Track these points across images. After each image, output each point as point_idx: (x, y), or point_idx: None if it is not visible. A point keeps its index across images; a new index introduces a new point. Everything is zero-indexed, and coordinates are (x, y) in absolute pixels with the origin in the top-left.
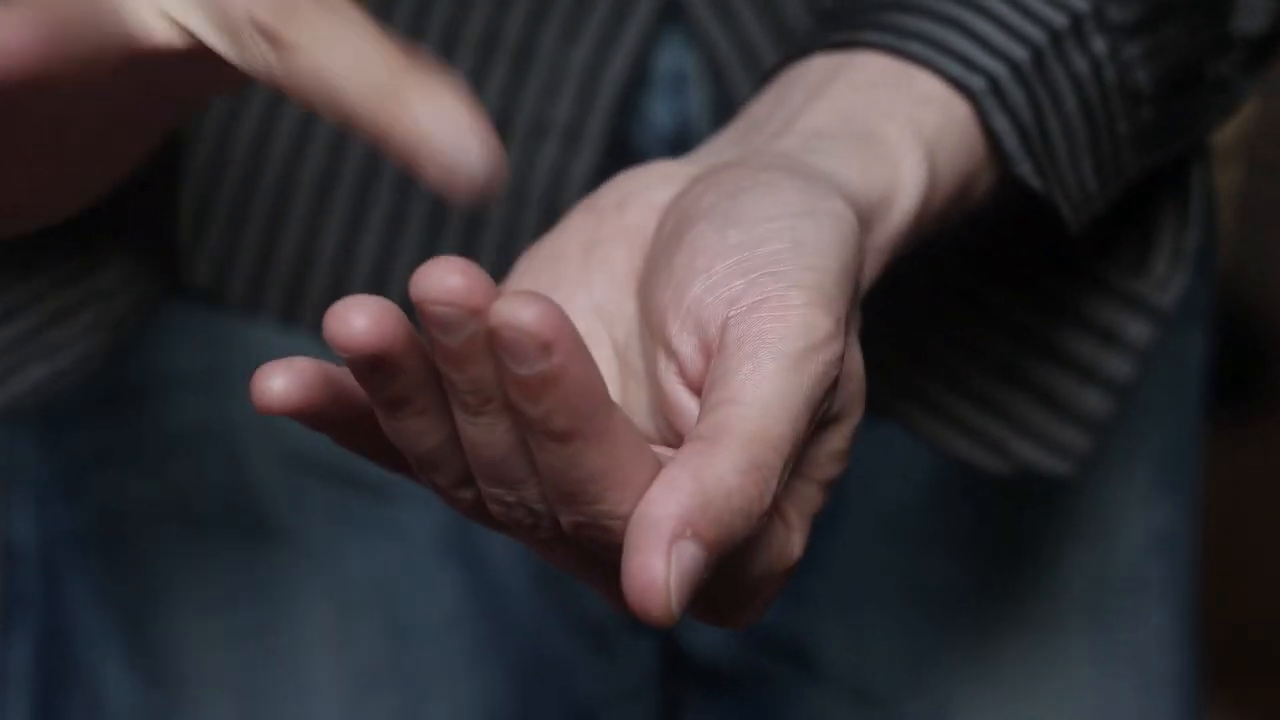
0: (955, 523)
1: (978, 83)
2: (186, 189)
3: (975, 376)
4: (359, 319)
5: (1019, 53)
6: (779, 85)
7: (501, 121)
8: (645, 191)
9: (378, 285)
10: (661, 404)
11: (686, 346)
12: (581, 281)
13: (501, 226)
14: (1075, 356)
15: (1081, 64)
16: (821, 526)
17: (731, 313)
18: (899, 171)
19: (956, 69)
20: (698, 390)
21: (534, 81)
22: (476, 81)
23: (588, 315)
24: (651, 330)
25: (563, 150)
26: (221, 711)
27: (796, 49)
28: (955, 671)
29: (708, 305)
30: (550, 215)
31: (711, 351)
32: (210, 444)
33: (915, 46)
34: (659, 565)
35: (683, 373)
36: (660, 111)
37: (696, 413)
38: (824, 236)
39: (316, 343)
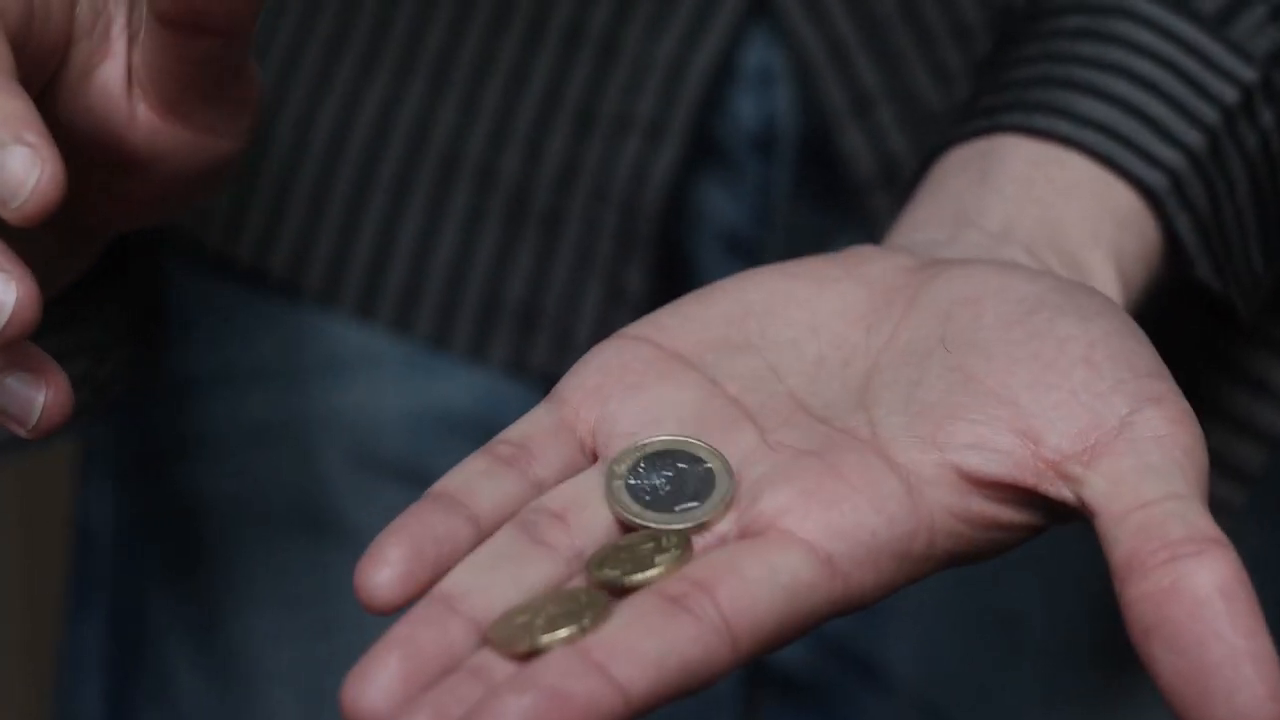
0: (1033, 546)
1: (1160, 182)
2: (264, 176)
3: None
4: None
5: (1195, 139)
6: (975, 172)
7: (585, 115)
8: (886, 255)
9: (455, 279)
10: (947, 480)
11: (1004, 440)
12: (805, 302)
13: (582, 222)
14: (1229, 409)
15: (1252, 141)
16: None
17: (1135, 409)
18: None
19: (1141, 167)
20: (982, 484)
21: (618, 75)
22: (560, 74)
23: (799, 328)
24: (934, 411)
25: (646, 146)
26: (287, 708)
27: (973, 126)
28: (1026, 696)
29: (1098, 401)
30: (631, 212)
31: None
32: (283, 439)
33: (1100, 141)
34: None
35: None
36: (746, 108)
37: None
38: (1142, 338)
39: (393, 336)
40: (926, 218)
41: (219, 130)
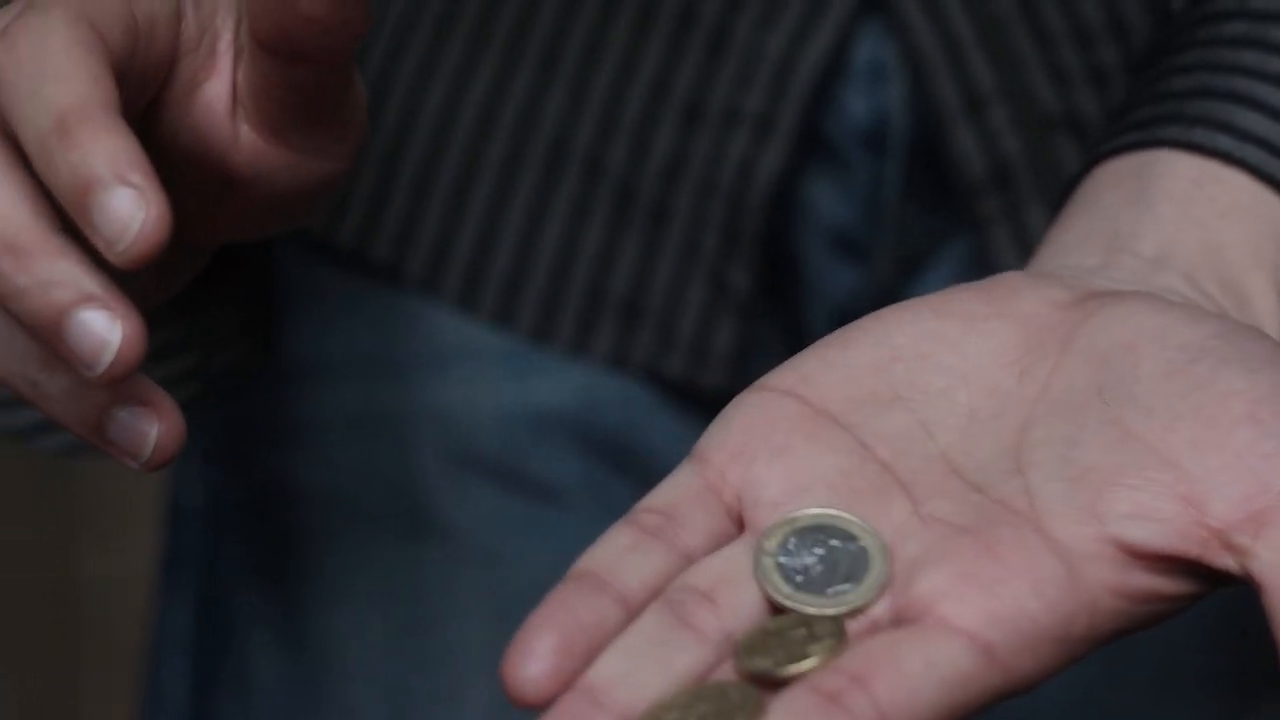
0: None
1: None
2: (369, 159)
3: None
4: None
5: None
6: (1132, 182)
7: (693, 108)
8: (1037, 287)
9: (560, 271)
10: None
11: (1225, 510)
12: (954, 344)
13: (688, 217)
14: None
15: None
16: None
17: None
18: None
19: None
20: (1144, 557)
21: (728, 68)
22: (670, 65)
23: (950, 375)
24: (1141, 449)
25: (754, 140)
26: (368, 707)
27: (1131, 125)
28: None
29: (1263, 464)
30: (738, 206)
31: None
32: (379, 431)
33: (1257, 156)
34: None
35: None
36: (856, 104)
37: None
38: None
39: (495, 328)
40: (1078, 240)
41: (322, 152)
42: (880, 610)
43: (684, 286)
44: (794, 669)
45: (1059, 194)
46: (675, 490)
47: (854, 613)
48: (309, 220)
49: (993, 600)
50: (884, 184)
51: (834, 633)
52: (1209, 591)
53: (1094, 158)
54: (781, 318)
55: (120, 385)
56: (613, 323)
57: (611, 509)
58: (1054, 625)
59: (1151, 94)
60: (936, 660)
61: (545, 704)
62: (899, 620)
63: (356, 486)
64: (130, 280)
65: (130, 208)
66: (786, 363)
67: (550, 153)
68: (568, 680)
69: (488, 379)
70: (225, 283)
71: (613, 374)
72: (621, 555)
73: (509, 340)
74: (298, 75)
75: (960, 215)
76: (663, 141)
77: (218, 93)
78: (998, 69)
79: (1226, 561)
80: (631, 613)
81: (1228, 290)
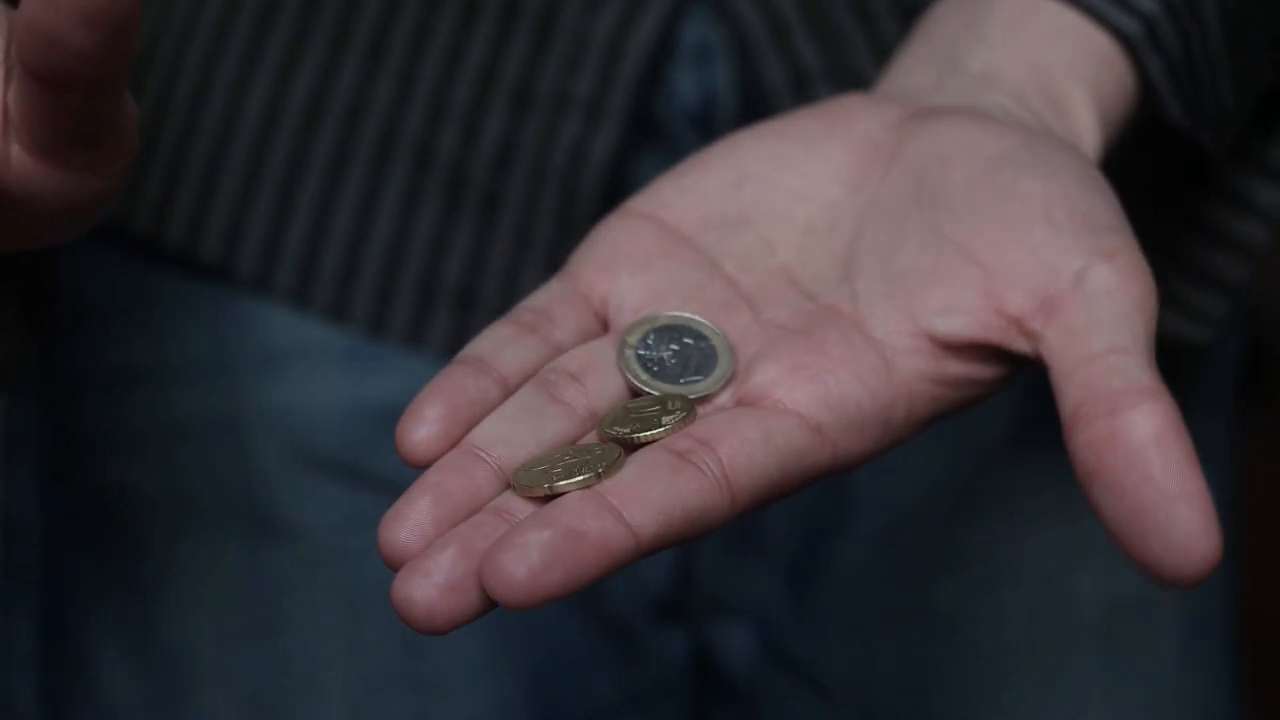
0: (967, 545)
1: (1135, 29)
2: (193, 157)
3: None
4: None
5: None
6: (966, 10)
7: (523, 93)
8: (872, 108)
9: (392, 263)
10: (916, 342)
11: (1019, 297)
12: (795, 164)
13: (521, 203)
14: (1208, 221)
15: None
16: (832, 545)
17: (1088, 265)
18: (1081, 141)
19: (1118, 15)
20: (953, 347)
21: (556, 53)
22: (498, 51)
23: (791, 195)
24: (951, 249)
25: (584, 125)
26: (225, 712)
27: None
28: (963, 696)
29: (1054, 258)
30: (571, 191)
31: (1056, 302)
32: (218, 435)
33: None
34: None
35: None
36: (686, 85)
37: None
38: (1103, 190)
39: (328, 325)
40: (916, 63)
41: (93, 171)
42: (724, 399)
43: (519, 272)
44: (649, 435)
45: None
46: (549, 295)
47: (702, 400)
48: (78, 235)
49: (820, 387)
50: None
51: (685, 409)
52: (1013, 375)
53: None
54: None
55: None
56: (448, 312)
57: None
58: (876, 410)
59: None
60: (773, 433)
61: (431, 462)
62: (740, 405)
63: (199, 492)
64: None
65: None
66: (648, 187)
67: (379, 143)
68: (453, 442)
69: (326, 376)
70: None
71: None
72: (501, 344)
73: (344, 335)
74: (67, 101)
75: None
76: (493, 128)
77: None
78: (822, 47)
79: (1023, 346)
80: (509, 391)
81: (1051, 104)
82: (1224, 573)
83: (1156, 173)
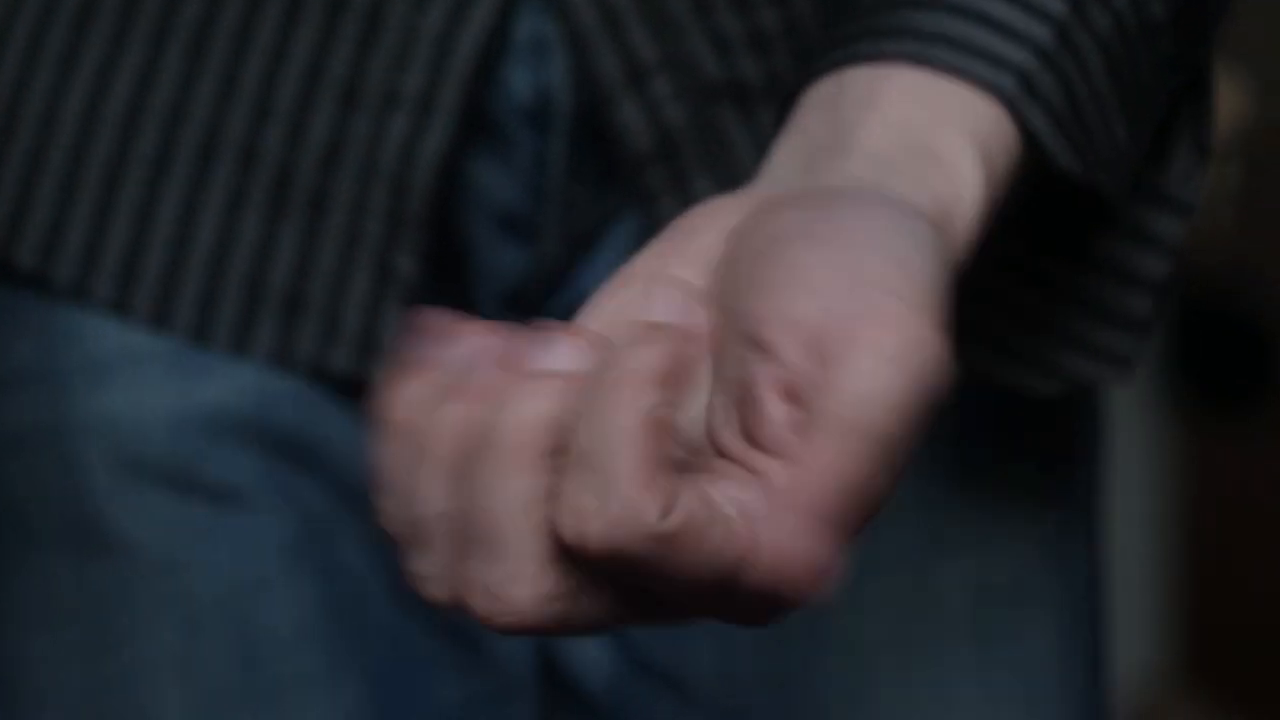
0: None
1: (1008, 83)
2: (9, 163)
3: (1014, 293)
4: None
5: (1042, 34)
6: (826, 105)
7: (350, 91)
8: (716, 216)
9: (215, 268)
10: (743, 408)
11: (791, 354)
12: (646, 307)
13: (349, 203)
14: (1110, 259)
15: (1104, 23)
16: None
17: (841, 327)
18: (961, 184)
19: (986, 71)
20: (788, 397)
21: (384, 48)
22: (323, 48)
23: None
24: (742, 340)
25: (414, 122)
26: None
27: (826, 62)
28: (830, 692)
29: (815, 320)
30: (401, 190)
31: (816, 361)
32: (43, 447)
33: (943, 53)
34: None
35: (778, 380)
36: (519, 81)
37: (780, 419)
38: (921, 254)
39: (152, 332)
40: (783, 155)
41: None
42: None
43: (347, 276)
44: None
45: (776, 118)
46: None
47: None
48: None
49: None
50: (549, 161)
51: None
52: None
53: (797, 89)
54: (450, 303)
55: None
56: (274, 318)
57: (297, 507)
58: None
59: (850, 18)
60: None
61: None
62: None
63: (27, 507)
64: None
65: None
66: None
67: (202, 144)
68: None
69: (151, 384)
70: None
71: (279, 370)
72: None
73: (169, 342)
74: None
75: (628, 191)
76: (320, 127)
77: None
78: (658, 39)
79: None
80: None
81: (922, 157)
82: (1092, 557)
83: (1054, 213)
